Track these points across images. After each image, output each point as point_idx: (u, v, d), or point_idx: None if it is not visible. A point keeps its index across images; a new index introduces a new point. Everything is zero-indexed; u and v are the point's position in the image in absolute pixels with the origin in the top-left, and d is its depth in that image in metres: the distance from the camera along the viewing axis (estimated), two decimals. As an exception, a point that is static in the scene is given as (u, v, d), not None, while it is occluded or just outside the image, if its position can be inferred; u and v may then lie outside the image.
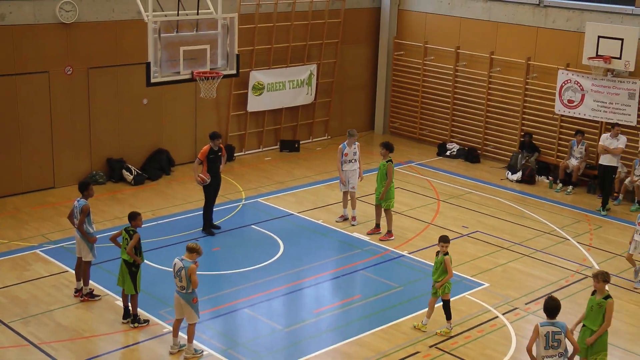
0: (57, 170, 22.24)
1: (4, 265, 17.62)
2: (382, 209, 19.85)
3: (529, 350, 12.31)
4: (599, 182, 22.90)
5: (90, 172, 22.74)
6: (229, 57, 18.64)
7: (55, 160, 22.15)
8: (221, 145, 19.61)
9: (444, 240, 15.33)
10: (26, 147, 21.57)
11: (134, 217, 15.19)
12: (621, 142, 21.93)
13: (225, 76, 18.81)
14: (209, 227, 19.81)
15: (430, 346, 14.99)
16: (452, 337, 15.31)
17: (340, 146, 20.70)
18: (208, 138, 19.55)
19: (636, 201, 22.68)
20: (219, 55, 18.53)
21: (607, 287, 13.29)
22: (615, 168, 22.24)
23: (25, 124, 21.44)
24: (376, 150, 21.19)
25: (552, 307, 12.33)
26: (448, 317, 15.47)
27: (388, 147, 19.57)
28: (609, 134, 22.13)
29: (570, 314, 16.37)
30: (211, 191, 19.67)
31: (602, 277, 13.14)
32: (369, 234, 20.05)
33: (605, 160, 22.07)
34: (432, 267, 15.47)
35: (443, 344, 15.08)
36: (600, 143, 22.19)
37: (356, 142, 20.53)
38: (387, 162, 19.46)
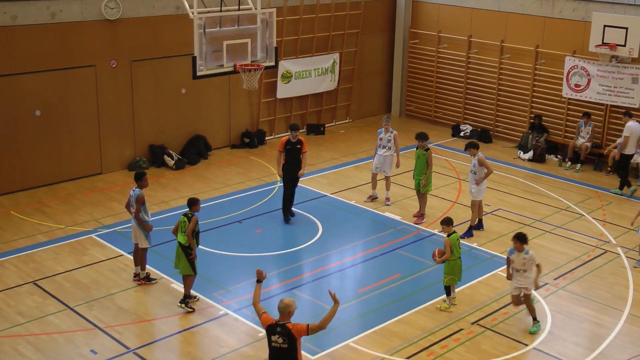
0: (104, 157, 21.38)
1: (62, 249, 16.76)
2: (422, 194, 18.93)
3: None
4: None
5: (134, 158, 21.88)
6: (268, 49, 17.78)
7: (102, 147, 21.28)
8: (301, 138, 18.64)
9: (447, 223, 14.77)
10: (75, 136, 20.74)
11: (194, 202, 14.29)
12: None
13: (265, 67, 17.96)
14: (286, 215, 18.68)
15: (472, 323, 14.21)
16: (491, 313, 14.53)
17: (378, 130, 19.90)
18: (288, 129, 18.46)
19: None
20: (259, 48, 17.67)
21: None
22: None
23: (74, 114, 20.60)
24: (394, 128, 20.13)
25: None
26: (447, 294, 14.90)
27: (424, 138, 18.53)
28: None
29: (596, 288, 15.69)
30: (288, 182, 18.54)
31: None
32: (414, 216, 18.92)
33: None
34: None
35: (484, 320, 14.29)
36: None
37: (392, 130, 19.54)
38: (425, 151, 18.50)
